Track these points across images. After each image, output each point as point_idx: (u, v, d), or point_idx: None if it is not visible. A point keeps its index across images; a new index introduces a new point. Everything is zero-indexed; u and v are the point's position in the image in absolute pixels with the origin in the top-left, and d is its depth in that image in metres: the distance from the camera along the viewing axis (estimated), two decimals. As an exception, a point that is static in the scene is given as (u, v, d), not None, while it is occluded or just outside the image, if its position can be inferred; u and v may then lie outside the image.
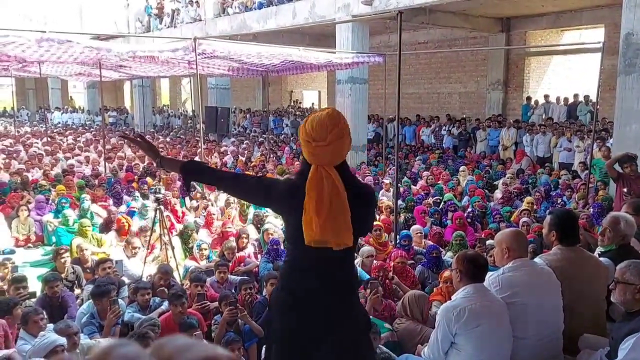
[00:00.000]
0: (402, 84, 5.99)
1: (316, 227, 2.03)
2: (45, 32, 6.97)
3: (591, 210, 7.52)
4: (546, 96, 15.74)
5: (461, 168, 11.42)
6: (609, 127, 11.60)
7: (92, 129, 22.76)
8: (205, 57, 8.77)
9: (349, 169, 2.24)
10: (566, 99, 15.34)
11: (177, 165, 2.44)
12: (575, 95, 15.23)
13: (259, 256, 6.33)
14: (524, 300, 2.91)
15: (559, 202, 8.54)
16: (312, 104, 28.44)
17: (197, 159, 12.00)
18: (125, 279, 5.49)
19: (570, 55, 16.64)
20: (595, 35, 14.88)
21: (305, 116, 16.63)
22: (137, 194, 9.00)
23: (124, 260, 5.92)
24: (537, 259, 3.22)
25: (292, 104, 26.94)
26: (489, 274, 3.07)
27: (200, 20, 18.65)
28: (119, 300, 4.62)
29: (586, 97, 14.66)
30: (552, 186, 9.87)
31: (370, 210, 2.34)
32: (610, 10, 13.20)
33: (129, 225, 6.96)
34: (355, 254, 5.57)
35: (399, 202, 7.50)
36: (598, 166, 9.84)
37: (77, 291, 5.31)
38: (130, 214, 7.67)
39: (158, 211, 5.54)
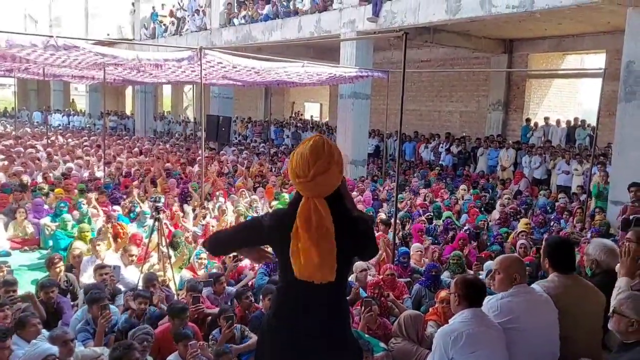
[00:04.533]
0: (404, 101, 6.04)
1: (302, 260, 2.03)
2: (52, 36, 7.02)
3: (589, 234, 7.53)
4: (546, 118, 15.85)
5: (461, 187, 11.46)
6: (608, 152, 11.67)
7: (92, 133, 22.79)
8: (210, 69, 8.82)
9: (343, 200, 2.18)
10: (568, 122, 15.44)
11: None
12: (575, 119, 15.35)
13: (256, 267, 6.32)
14: (521, 327, 2.92)
15: (553, 226, 8.55)
16: (312, 116, 28.53)
17: (196, 168, 12.02)
18: (121, 287, 5.48)
19: (571, 79, 16.78)
20: (596, 60, 15.01)
21: (306, 128, 16.80)
22: (136, 200, 9.00)
23: (121, 267, 5.91)
24: (534, 285, 3.24)
25: (294, 115, 27.04)
26: (487, 298, 3.08)
27: (206, 29, 18.77)
28: (113, 307, 4.61)
29: (583, 122, 14.78)
30: (549, 209, 9.90)
31: (366, 242, 2.21)
32: (612, 37, 13.33)
33: (125, 232, 6.93)
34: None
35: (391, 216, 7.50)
36: (597, 190, 9.89)
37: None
38: (127, 220, 7.67)
39: (156, 220, 5.53)
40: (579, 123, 15.10)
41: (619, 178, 8.51)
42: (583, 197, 10.07)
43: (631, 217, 6.49)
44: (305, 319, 2.16)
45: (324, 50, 17.55)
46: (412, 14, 11.53)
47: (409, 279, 6.03)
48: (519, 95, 16.70)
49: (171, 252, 6.41)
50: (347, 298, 3.54)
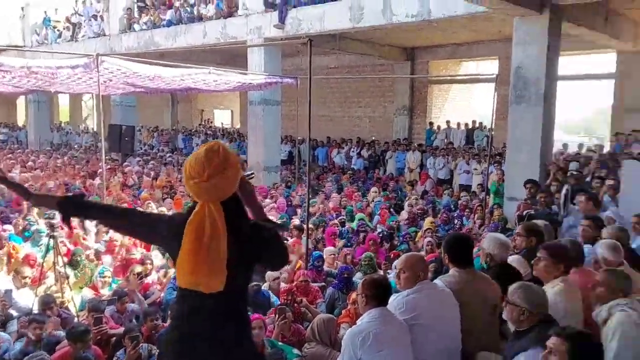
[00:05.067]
0: (314, 106, 6.10)
1: (188, 268, 1.97)
2: None
3: (487, 230, 7.99)
4: (447, 122, 16.71)
5: (372, 189, 11.74)
6: (503, 152, 12.49)
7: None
8: (110, 75, 8.39)
9: (241, 206, 2.13)
10: (466, 124, 16.38)
11: (53, 201, 2.22)
12: (473, 122, 16.32)
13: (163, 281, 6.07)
14: (426, 322, 3.01)
15: (456, 223, 8.99)
16: (222, 123, 28.07)
17: (97, 181, 11.39)
18: (14, 312, 5.04)
19: (469, 84, 17.85)
20: (491, 66, 16.06)
21: (216, 135, 16.37)
22: (32, 218, 8.32)
23: (13, 291, 5.43)
24: (437, 281, 3.35)
25: (203, 123, 26.45)
26: (393, 296, 3.15)
27: (105, 35, 17.90)
28: (4, 334, 4.22)
29: (481, 124, 15.75)
30: (452, 207, 10.41)
31: (271, 250, 2.13)
32: (503, 44, 14.30)
33: (17, 253, 6.39)
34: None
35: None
36: (494, 188, 10.56)
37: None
38: (19, 240, 7.09)
39: (51, 238, 5.15)
40: (477, 125, 16.07)
41: (512, 175, 9.11)
42: (482, 194, 10.67)
43: (524, 212, 6.96)
44: (197, 328, 2.08)
45: (232, 56, 17.36)
46: (318, 21, 11.70)
47: (323, 283, 6.06)
48: (422, 101, 17.50)
49: (71, 272, 6.00)
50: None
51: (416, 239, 7.92)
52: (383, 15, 10.37)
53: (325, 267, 6.48)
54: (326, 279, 6.22)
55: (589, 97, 15.05)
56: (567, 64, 14.62)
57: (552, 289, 3.16)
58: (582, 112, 15.11)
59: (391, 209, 10.20)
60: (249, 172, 2.57)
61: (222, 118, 29.00)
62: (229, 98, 26.65)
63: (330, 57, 17.86)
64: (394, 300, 3.12)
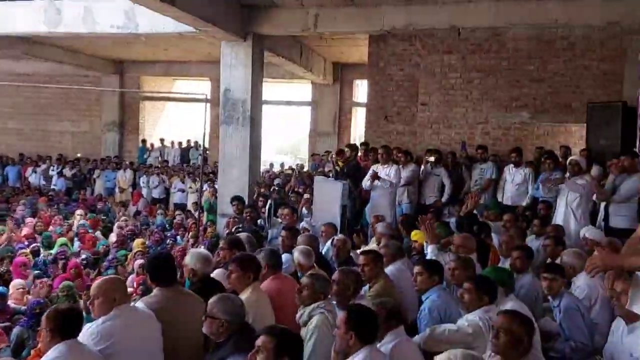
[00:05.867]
0: (1, 118, 5.16)
1: None
2: None
3: (202, 247, 8.04)
4: (162, 140, 16.44)
5: (77, 212, 10.64)
6: (216, 170, 12.88)
7: None
8: None
9: None
10: (180, 143, 16.38)
11: None
12: (188, 140, 16.46)
13: None
14: (124, 348, 2.80)
15: (169, 243, 8.82)
16: None
17: None
18: None
19: (185, 103, 17.92)
20: (206, 86, 16.48)
21: None
22: None
23: None
24: (138, 303, 3.18)
25: None
26: (86, 326, 2.84)
27: None
28: None
29: (196, 143, 16.00)
30: (167, 226, 10.21)
31: None
32: (213, 67, 14.82)
33: None
34: None
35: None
36: (208, 205, 10.76)
37: None
38: None
39: None
40: (192, 144, 16.26)
41: (224, 193, 9.42)
42: (197, 213, 10.76)
43: (234, 228, 7.25)
44: None
45: None
46: (4, 21, 10.11)
47: (7, 323, 5.15)
48: (133, 117, 16.84)
49: None
50: None
51: (126, 263, 7.46)
52: (84, 23, 9.56)
53: (12, 304, 5.53)
54: (12, 318, 5.30)
55: (298, 121, 16.81)
56: (275, 89, 16.09)
57: (243, 297, 3.30)
58: (294, 135, 16.86)
59: (97, 232, 9.42)
60: None
61: None
62: None
63: (22, 62, 15.60)
64: (87, 330, 2.82)
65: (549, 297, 4.06)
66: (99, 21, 9.51)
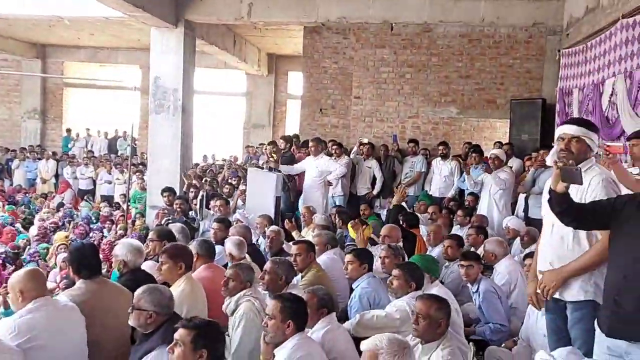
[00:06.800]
0: None
1: None
2: None
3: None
4: (87, 129, 15.73)
5: (-6, 203, 10.00)
6: (145, 161, 12.49)
7: None
8: None
9: None
10: (106, 133, 15.74)
11: None
12: (116, 130, 15.83)
13: None
14: (45, 343, 2.69)
15: (93, 235, 8.47)
16: None
17: None
18: None
19: (113, 91, 17.18)
20: (135, 73, 15.88)
21: None
22: None
23: None
24: (60, 296, 3.05)
25: None
26: (3, 320, 2.71)
27: None
28: None
29: (125, 133, 15.42)
30: (93, 219, 9.79)
31: None
32: (144, 54, 14.33)
33: None
34: None
35: None
36: (137, 197, 10.43)
37: None
38: None
39: None
40: (120, 134, 15.65)
41: (153, 184, 9.16)
42: (125, 205, 10.40)
43: (164, 220, 7.08)
44: None
45: None
46: None
47: None
48: (56, 104, 16.01)
49: None
50: None
51: (47, 257, 7.09)
52: (1, 1, 8.97)
53: None
54: None
55: (233, 113, 16.54)
56: (209, 80, 15.73)
57: (177, 289, 3.24)
58: (228, 127, 16.48)
59: (17, 225, 8.89)
60: None
61: None
62: None
63: None
64: (3, 325, 2.68)
65: (469, 285, 4.26)
66: (19, 0, 8.94)
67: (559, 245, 2.89)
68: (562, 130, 2.96)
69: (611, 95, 5.66)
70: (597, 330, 2.51)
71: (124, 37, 13.10)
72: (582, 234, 2.80)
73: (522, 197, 6.68)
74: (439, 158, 8.02)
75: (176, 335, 2.36)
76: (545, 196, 2.80)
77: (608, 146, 3.77)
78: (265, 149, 8.49)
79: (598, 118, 5.94)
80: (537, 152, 6.72)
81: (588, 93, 6.44)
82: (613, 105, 5.62)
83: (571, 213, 2.59)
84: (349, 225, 5.64)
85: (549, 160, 3.97)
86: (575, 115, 6.69)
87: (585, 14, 6.94)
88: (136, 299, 2.72)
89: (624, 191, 3.13)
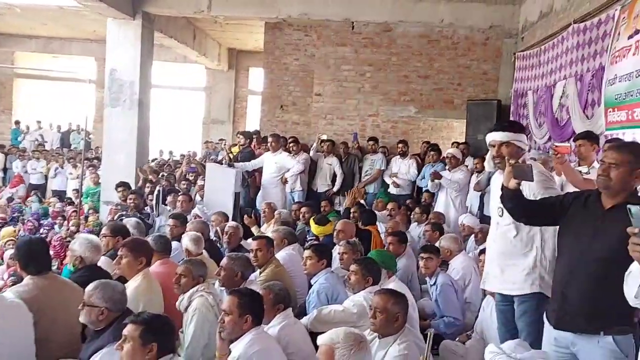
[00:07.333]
0: None
1: None
2: None
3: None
4: (39, 122, 15.18)
5: None
6: (100, 155, 12.14)
7: None
8: None
9: None
10: (59, 126, 15.23)
11: None
12: (70, 123, 15.35)
13: None
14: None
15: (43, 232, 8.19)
16: None
17: None
18: None
19: (67, 83, 16.63)
20: (90, 66, 15.41)
21: None
22: None
23: None
24: (6, 293, 2.93)
25: None
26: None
27: None
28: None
29: (78, 126, 14.98)
30: (42, 214, 9.46)
31: None
32: (100, 45, 13.92)
33: None
34: None
35: None
36: (90, 193, 10.13)
37: None
38: None
39: None
40: (74, 127, 15.19)
41: (108, 179, 8.92)
42: (78, 200, 10.09)
43: (117, 216, 6.91)
44: None
45: None
46: None
47: None
48: (5, 95, 15.40)
49: None
50: None
51: (-7, 252, 6.81)
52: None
53: None
54: None
55: (192, 108, 16.27)
56: (169, 75, 15.45)
57: (134, 284, 3.17)
58: (187, 122, 16.18)
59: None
60: None
61: None
62: None
63: None
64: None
65: (427, 278, 4.34)
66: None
67: (503, 241, 3.01)
68: (492, 137, 3.08)
69: (562, 97, 5.87)
70: (546, 323, 2.59)
71: (79, 27, 12.70)
72: (524, 231, 2.92)
73: (477, 195, 6.85)
74: (398, 156, 8.12)
75: (125, 331, 2.32)
76: (495, 195, 2.89)
77: (556, 147, 3.91)
78: (225, 145, 8.41)
79: (550, 119, 6.16)
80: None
81: (541, 95, 6.65)
82: (563, 107, 5.83)
83: (522, 209, 2.68)
84: (312, 220, 5.68)
85: (487, 165, 4.13)
86: (530, 116, 6.91)
87: (539, 19, 7.16)
88: (87, 295, 2.64)
89: (570, 187, 3.27)
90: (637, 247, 1.79)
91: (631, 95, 4.16)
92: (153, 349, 2.29)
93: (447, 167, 7.02)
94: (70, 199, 11.25)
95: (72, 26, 12.62)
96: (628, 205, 1.84)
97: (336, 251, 4.57)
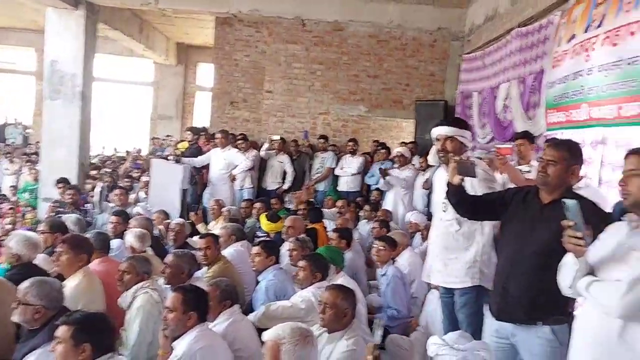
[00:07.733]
0: None
1: None
2: None
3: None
4: (-27, 116, 14.38)
5: None
6: (39, 150, 11.62)
7: None
8: None
9: None
10: (-2, 120, 14.49)
11: None
12: (6, 117, 14.61)
13: None
14: None
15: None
16: None
17: None
18: None
19: (2, 74, 15.80)
20: (30, 57, 14.70)
21: None
22: None
23: None
24: None
25: None
26: None
27: None
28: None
29: (16, 120, 14.30)
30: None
31: None
32: (40, 36, 13.27)
33: None
34: None
35: None
36: (28, 189, 9.70)
37: None
38: None
39: None
40: (11, 121, 14.48)
41: (48, 175, 8.54)
42: (14, 197, 9.65)
43: (54, 213, 6.65)
44: None
45: None
46: None
47: None
48: None
49: None
50: None
51: None
52: None
53: None
54: None
55: (139, 103, 15.79)
56: (114, 68, 14.94)
57: (73, 282, 3.05)
58: (134, 117, 15.70)
59: None
60: None
61: None
62: None
63: None
64: None
65: (377, 269, 4.41)
66: None
67: (445, 236, 3.10)
68: (437, 131, 3.17)
69: (505, 99, 6.06)
70: (487, 314, 2.68)
71: (19, 17, 12.09)
72: (465, 226, 3.02)
73: (423, 193, 6.98)
74: (348, 154, 8.18)
75: (57, 333, 2.22)
76: (438, 191, 2.96)
77: (498, 149, 4.07)
78: (171, 141, 8.23)
79: (493, 120, 6.36)
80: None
81: (485, 96, 6.85)
82: (506, 108, 6.03)
83: (466, 204, 2.75)
84: (263, 217, 5.65)
85: (431, 159, 4.27)
86: (475, 117, 7.11)
87: (484, 22, 7.38)
88: (22, 293, 2.51)
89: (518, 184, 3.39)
90: (571, 239, 1.87)
91: (567, 97, 4.35)
92: (86, 350, 2.19)
93: (395, 166, 7.14)
94: (5, 195, 10.72)
95: (11, 16, 12.02)
96: (563, 199, 1.91)
97: (285, 248, 4.55)
